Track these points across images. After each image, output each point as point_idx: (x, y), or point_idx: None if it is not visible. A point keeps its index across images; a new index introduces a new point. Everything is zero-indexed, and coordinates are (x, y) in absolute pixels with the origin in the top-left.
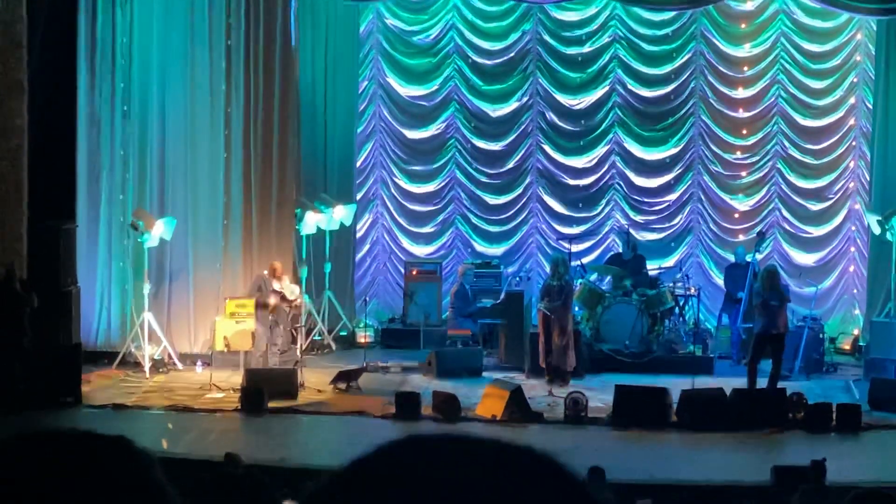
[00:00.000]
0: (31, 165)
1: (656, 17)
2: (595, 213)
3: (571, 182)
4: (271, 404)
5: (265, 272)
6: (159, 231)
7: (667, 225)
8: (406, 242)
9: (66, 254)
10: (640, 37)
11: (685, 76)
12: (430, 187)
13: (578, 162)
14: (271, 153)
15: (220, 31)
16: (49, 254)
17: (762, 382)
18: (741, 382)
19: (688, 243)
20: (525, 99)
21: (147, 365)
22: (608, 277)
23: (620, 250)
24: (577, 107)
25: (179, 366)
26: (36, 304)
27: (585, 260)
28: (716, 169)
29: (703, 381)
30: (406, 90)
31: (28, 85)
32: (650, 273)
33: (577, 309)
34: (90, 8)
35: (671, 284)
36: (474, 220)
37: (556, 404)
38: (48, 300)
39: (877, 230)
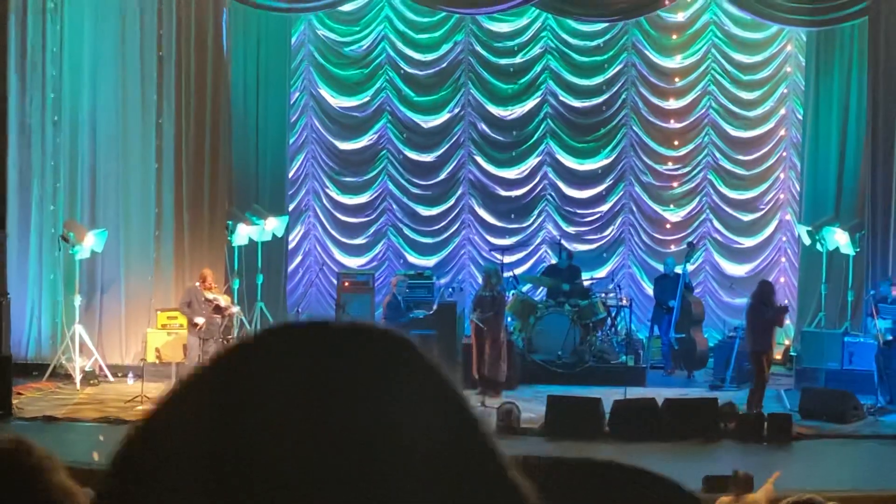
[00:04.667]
0: None
1: (588, 28)
2: (527, 224)
3: (503, 193)
4: None
5: (196, 283)
6: (90, 243)
7: (599, 236)
8: (338, 254)
9: None
10: (572, 48)
11: (617, 87)
12: (362, 199)
13: (510, 173)
14: (203, 164)
15: (152, 41)
16: None
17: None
18: (673, 392)
19: (620, 254)
20: (457, 110)
21: (78, 377)
22: (541, 288)
23: (553, 261)
24: (509, 118)
25: (111, 378)
26: None
27: (518, 271)
28: (647, 180)
29: (635, 392)
30: (338, 101)
31: None
32: (583, 284)
33: (509, 320)
34: (20, 17)
35: (603, 295)
36: (406, 231)
37: (489, 415)
38: None
39: (807, 241)
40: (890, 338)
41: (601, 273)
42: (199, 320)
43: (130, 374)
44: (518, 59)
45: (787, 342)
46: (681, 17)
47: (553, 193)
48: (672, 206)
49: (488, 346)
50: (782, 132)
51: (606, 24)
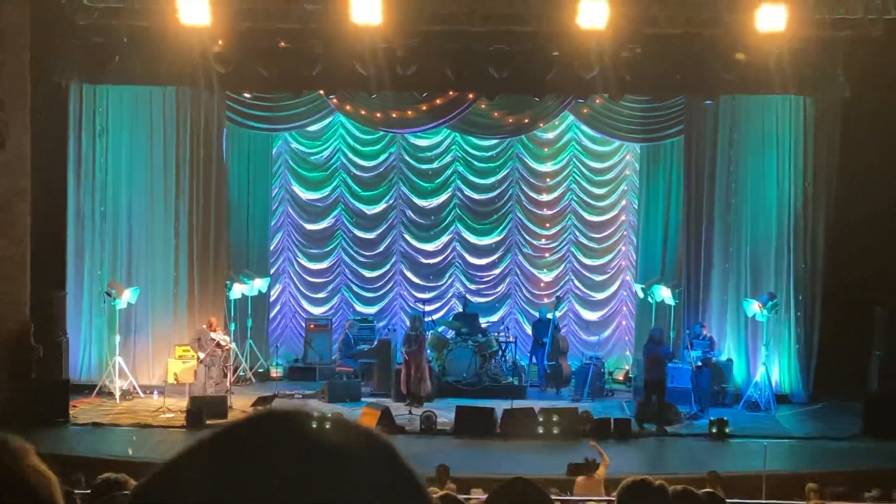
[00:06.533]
0: (33, 250)
1: (484, 143)
2: (441, 283)
3: (424, 261)
4: (208, 422)
5: (204, 326)
6: (127, 297)
7: (493, 291)
8: (306, 304)
9: (58, 314)
10: (473, 157)
11: (505, 185)
12: (323, 265)
13: (429, 246)
14: (208, 240)
15: (172, 151)
16: (46, 314)
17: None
18: (545, 403)
19: (508, 304)
20: (391, 201)
21: (118, 393)
22: (451, 329)
23: (460, 309)
24: (429, 207)
25: (141, 394)
26: (42, 353)
27: (435, 317)
28: (527, 251)
29: (519, 403)
30: (306, 195)
31: (31, 191)
32: (481, 325)
33: (429, 351)
34: (77, 137)
35: (496, 334)
36: (355, 288)
37: (414, 420)
38: (45, 348)
39: (641, 295)
40: (700, 364)
41: (494, 318)
42: (201, 355)
43: (156, 392)
44: (435, 165)
45: (627, 367)
46: (550, 135)
47: (460, 261)
48: (545, 270)
49: (414, 370)
50: (623, 217)
51: (498, 140)
